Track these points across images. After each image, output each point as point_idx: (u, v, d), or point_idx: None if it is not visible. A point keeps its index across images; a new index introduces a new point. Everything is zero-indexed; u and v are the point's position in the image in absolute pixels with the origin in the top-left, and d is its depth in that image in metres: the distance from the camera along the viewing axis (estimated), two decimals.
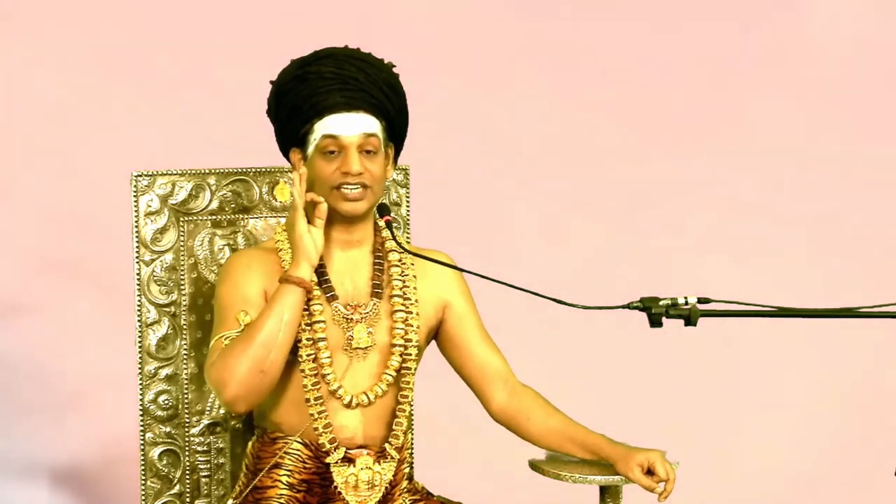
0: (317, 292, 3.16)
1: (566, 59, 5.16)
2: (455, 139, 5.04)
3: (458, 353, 3.32)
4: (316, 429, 3.16)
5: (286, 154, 3.25)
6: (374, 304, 3.21)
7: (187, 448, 3.45)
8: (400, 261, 3.26)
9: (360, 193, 3.15)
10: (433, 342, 3.34)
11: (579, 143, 5.18)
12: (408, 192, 3.57)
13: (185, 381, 3.43)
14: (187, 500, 3.45)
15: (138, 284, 3.40)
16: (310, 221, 3.13)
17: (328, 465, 3.18)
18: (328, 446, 3.17)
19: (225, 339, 3.11)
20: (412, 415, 3.46)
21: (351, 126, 3.15)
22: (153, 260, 3.41)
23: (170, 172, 3.42)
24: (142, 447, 3.43)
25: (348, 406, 3.18)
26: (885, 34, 5.24)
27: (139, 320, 3.41)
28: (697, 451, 4.91)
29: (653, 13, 5.17)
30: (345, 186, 3.14)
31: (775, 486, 5.10)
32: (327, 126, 3.15)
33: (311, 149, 3.17)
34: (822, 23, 5.22)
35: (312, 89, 3.15)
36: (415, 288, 3.26)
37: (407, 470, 3.31)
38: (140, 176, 3.40)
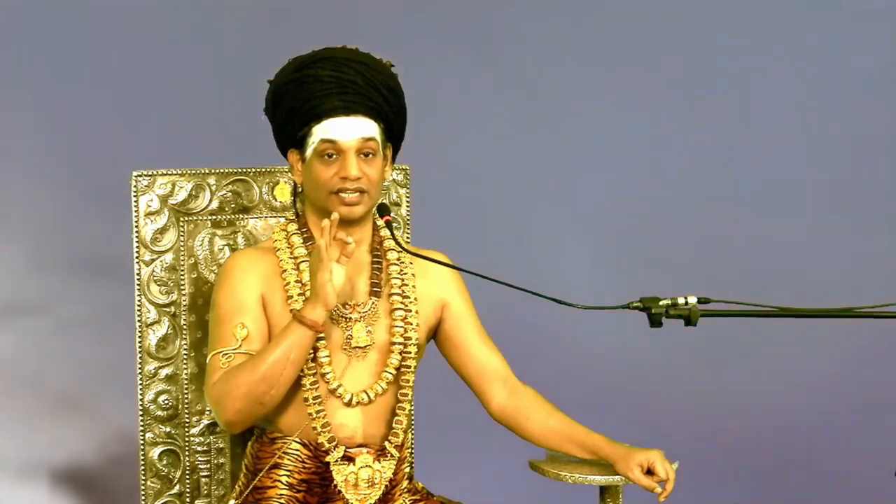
0: None
1: (565, 59, 5.16)
2: (455, 139, 5.04)
3: (457, 353, 3.32)
4: (315, 428, 3.16)
5: (284, 153, 3.25)
6: (373, 302, 3.21)
7: (187, 448, 3.45)
8: (399, 259, 3.26)
9: (358, 198, 3.15)
10: (432, 342, 3.34)
11: (579, 142, 5.17)
12: (408, 192, 3.57)
13: (185, 381, 3.43)
14: (187, 500, 3.45)
15: (138, 284, 3.40)
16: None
17: (328, 464, 3.18)
18: (327, 445, 3.17)
19: (223, 356, 3.12)
20: (412, 414, 3.46)
21: (349, 130, 3.14)
22: (153, 260, 3.41)
23: (170, 172, 3.42)
24: (142, 447, 3.43)
25: (348, 405, 3.18)
26: None
27: (139, 320, 3.40)
28: (696, 451, 4.91)
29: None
30: (342, 192, 3.14)
31: (774, 485, 5.10)
32: (325, 130, 3.14)
33: (309, 151, 3.17)
34: None
35: (310, 93, 3.14)
36: (414, 286, 3.25)
37: (407, 470, 3.31)
38: (140, 176, 3.40)
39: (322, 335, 3.14)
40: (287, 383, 3.09)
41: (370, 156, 3.16)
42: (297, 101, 3.15)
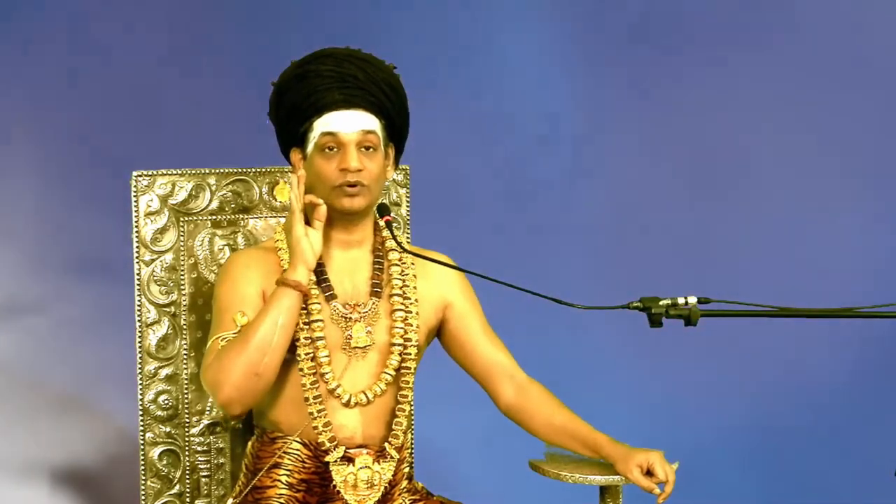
0: (315, 291, 3.16)
1: (565, 59, 5.16)
2: (455, 139, 5.04)
3: (464, 352, 3.32)
4: (315, 427, 3.16)
5: (287, 155, 3.25)
6: (374, 303, 3.21)
7: (187, 448, 3.45)
8: (400, 260, 3.26)
9: (358, 190, 3.15)
10: (435, 343, 3.34)
11: (579, 142, 5.17)
12: (408, 192, 3.57)
13: (185, 381, 3.43)
14: (187, 500, 3.45)
15: (138, 284, 3.40)
16: (308, 223, 3.13)
17: (327, 464, 3.18)
18: (328, 445, 3.17)
19: (222, 339, 3.12)
20: (412, 414, 3.46)
21: (349, 123, 3.15)
22: (153, 260, 3.41)
23: (170, 172, 3.42)
24: (142, 447, 3.43)
25: (347, 405, 3.18)
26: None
27: (139, 320, 3.41)
28: (697, 451, 4.91)
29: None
30: (343, 186, 3.14)
31: (773, 484, 5.11)
32: (326, 124, 3.15)
33: (310, 147, 3.18)
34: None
35: (311, 87, 3.15)
36: (415, 287, 3.26)
37: (407, 470, 3.31)
38: (140, 176, 3.40)
39: (322, 335, 3.15)
40: (280, 350, 3.08)
41: (371, 150, 3.16)
42: (299, 96, 3.16)
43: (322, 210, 3.12)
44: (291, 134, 3.21)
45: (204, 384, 3.15)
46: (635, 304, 2.89)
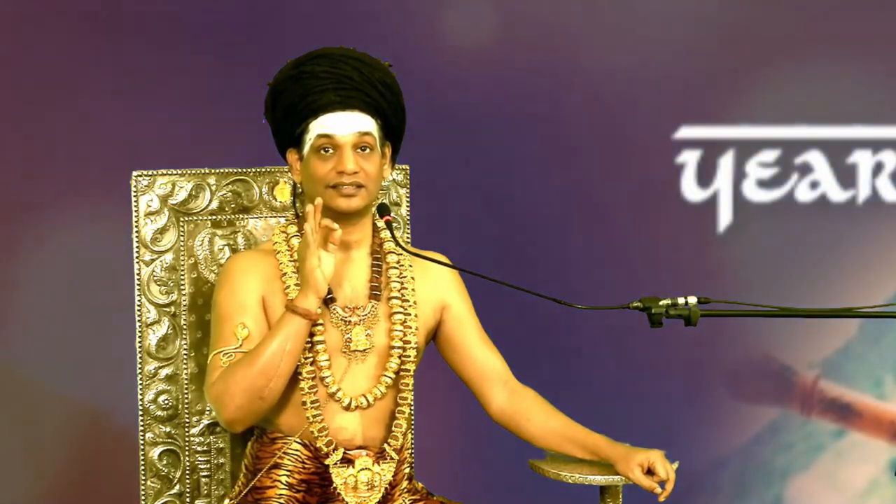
0: None
1: (566, 56, 5.16)
2: (455, 139, 5.04)
3: (458, 355, 3.32)
4: (313, 432, 3.16)
5: (283, 154, 3.25)
6: (373, 306, 3.21)
7: (187, 448, 3.45)
8: (399, 262, 3.26)
9: (355, 191, 3.15)
10: (431, 344, 3.34)
11: (580, 141, 5.17)
12: (408, 192, 3.57)
13: (185, 381, 3.43)
14: (187, 500, 3.45)
15: (138, 284, 3.40)
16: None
17: (327, 465, 3.18)
18: (325, 450, 3.17)
19: (224, 355, 3.13)
20: (412, 415, 3.46)
21: (345, 125, 3.15)
22: (153, 260, 3.41)
23: (170, 172, 3.42)
24: (142, 447, 3.43)
25: (347, 408, 3.18)
26: None
27: (139, 320, 3.41)
28: (696, 451, 4.91)
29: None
30: (339, 186, 3.14)
31: (772, 484, 5.11)
32: (322, 125, 3.15)
33: (306, 148, 3.18)
34: None
35: (307, 89, 3.15)
36: (413, 289, 3.25)
37: (407, 470, 3.31)
38: (140, 176, 3.40)
39: (322, 339, 3.15)
40: (285, 375, 3.09)
41: (367, 150, 3.17)
42: (294, 97, 3.16)
43: (338, 235, 3.10)
44: (287, 134, 3.21)
45: (207, 399, 3.18)
46: (635, 305, 2.90)
